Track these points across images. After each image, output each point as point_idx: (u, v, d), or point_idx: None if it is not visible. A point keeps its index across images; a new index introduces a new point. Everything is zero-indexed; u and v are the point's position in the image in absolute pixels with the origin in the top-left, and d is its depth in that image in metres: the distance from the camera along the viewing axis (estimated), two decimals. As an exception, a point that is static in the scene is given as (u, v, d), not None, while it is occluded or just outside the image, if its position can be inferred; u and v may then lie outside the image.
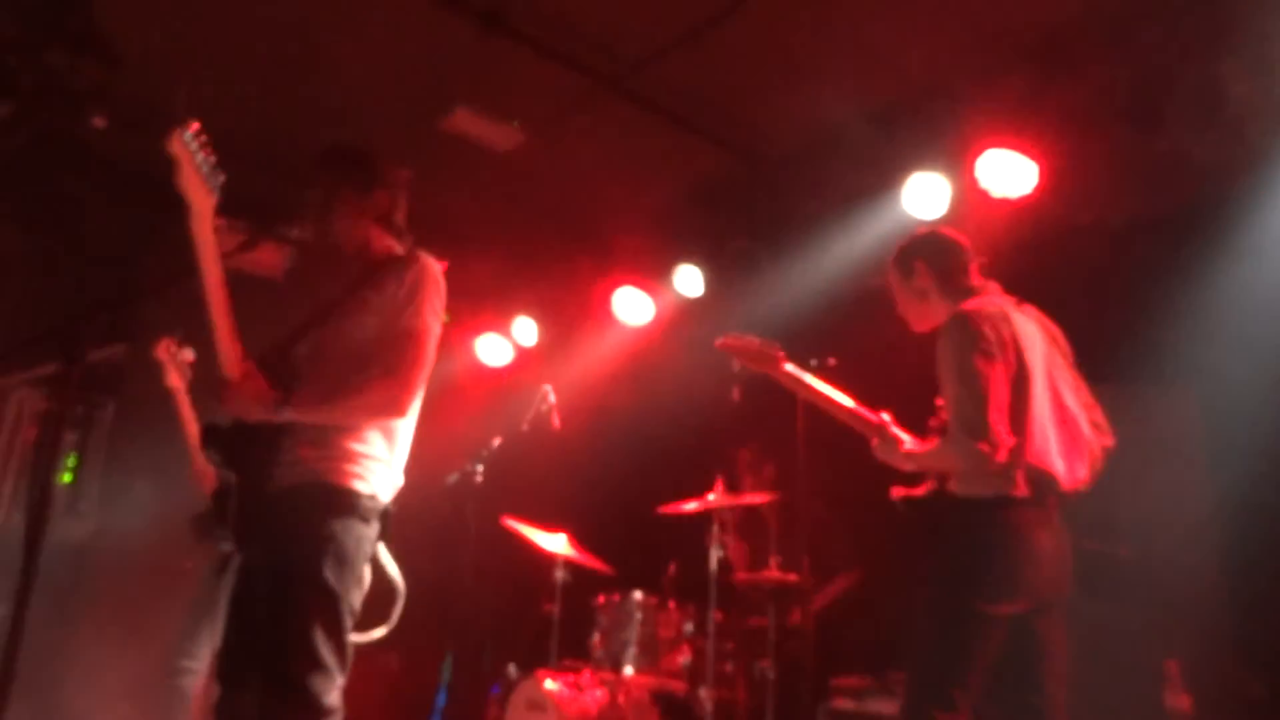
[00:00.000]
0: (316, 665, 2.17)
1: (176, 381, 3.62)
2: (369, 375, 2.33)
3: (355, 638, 2.32)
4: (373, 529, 2.35)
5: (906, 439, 2.73)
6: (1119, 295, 4.18)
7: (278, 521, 2.26)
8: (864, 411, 2.83)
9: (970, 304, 2.66)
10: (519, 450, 4.68)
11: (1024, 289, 3.05)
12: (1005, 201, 4.04)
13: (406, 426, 2.47)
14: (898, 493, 2.72)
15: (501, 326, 6.12)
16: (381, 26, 4.08)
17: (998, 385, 2.47)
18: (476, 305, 5.84)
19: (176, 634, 3.86)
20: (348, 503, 2.28)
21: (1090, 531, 3.03)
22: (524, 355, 6.16)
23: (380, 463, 2.38)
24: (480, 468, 4.55)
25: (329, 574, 2.21)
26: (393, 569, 2.47)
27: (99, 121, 3.60)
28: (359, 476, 2.32)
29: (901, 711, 2.53)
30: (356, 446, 2.33)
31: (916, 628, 2.54)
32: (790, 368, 2.99)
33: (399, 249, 2.54)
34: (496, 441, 4.62)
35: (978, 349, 2.49)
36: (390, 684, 5.06)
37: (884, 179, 4.46)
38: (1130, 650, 3.81)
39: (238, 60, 4.33)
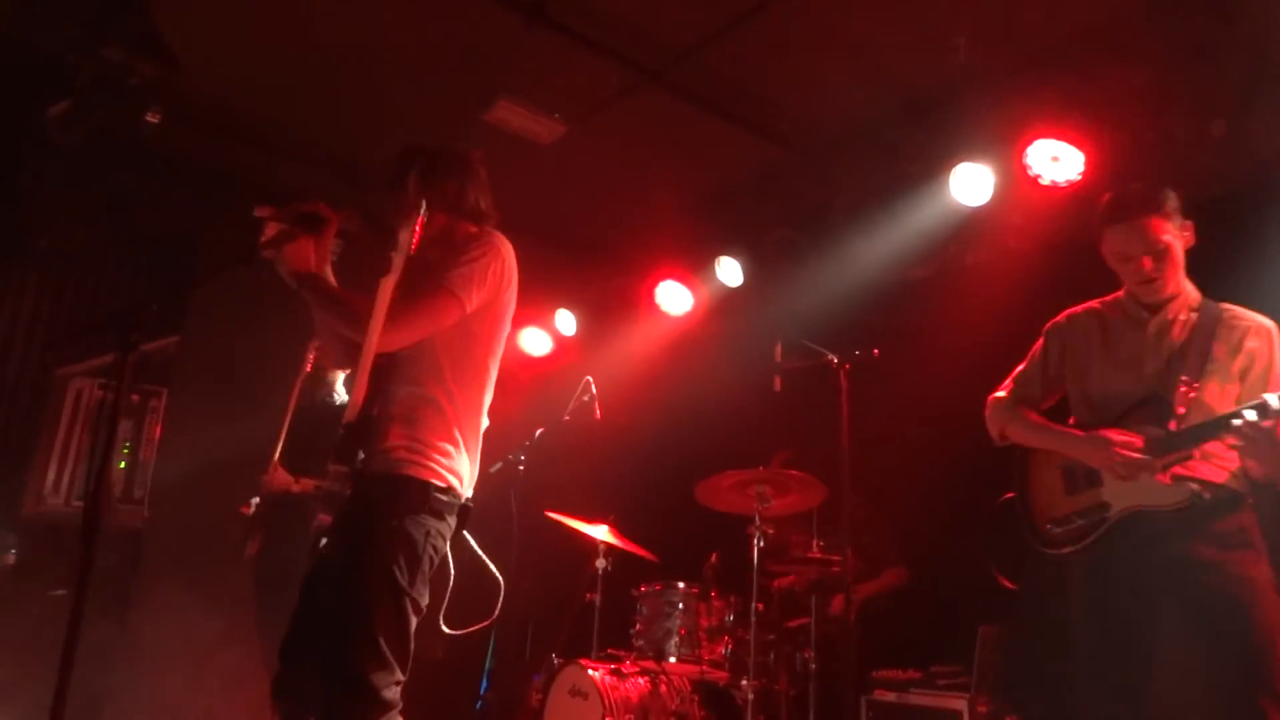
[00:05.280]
0: (377, 659, 2.18)
1: None
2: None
3: (457, 631, 2.37)
4: (446, 524, 2.35)
5: None
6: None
7: (353, 511, 2.28)
8: None
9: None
10: (561, 441, 4.71)
11: (1075, 278, 2.99)
12: (1054, 189, 3.96)
13: (481, 418, 2.48)
14: None
15: (543, 318, 6.16)
16: (426, 19, 4.12)
17: None
18: (518, 297, 5.87)
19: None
20: (421, 496, 2.29)
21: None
22: (565, 346, 6.19)
23: (458, 458, 2.38)
24: (523, 458, 4.58)
25: (396, 569, 2.22)
26: (489, 564, 2.49)
27: (153, 117, 3.68)
28: (434, 472, 2.32)
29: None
30: (438, 442, 2.34)
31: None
32: None
33: (474, 230, 2.56)
34: (539, 432, 4.65)
35: None
36: (434, 670, 5.13)
37: (926, 168, 4.40)
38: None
39: (285, 55, 4.39)
